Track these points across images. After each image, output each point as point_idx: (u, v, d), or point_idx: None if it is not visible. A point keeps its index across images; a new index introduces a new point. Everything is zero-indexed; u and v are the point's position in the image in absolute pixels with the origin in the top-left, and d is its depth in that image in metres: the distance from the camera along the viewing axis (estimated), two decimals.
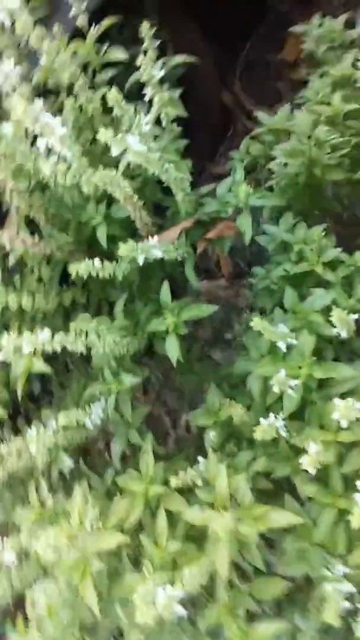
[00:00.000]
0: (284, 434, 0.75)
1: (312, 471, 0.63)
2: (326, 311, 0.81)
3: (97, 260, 0.70)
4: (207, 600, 0.73)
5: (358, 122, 0.99)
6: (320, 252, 0.88)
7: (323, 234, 0.90)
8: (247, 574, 0.73)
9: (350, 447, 0.69)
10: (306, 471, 0.76)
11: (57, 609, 0.73)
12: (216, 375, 0.98)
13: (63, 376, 1.18)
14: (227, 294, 1.66)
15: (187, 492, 0.77)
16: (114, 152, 0.60)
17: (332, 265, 0.89)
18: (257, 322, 0.68)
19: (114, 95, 0.65)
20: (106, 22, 0.80)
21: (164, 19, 1.05)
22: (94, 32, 0.79)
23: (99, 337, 0.73)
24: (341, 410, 0.62)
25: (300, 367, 0.72)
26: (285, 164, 0.97)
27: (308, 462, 0.61)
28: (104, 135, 0.59)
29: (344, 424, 0.64)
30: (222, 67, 1.74)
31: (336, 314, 0.70)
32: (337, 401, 0.63)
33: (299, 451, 0.76)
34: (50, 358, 1.24)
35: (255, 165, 1.17)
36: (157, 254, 0.72)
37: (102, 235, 0.77)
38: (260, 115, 1.07)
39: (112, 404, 0.78)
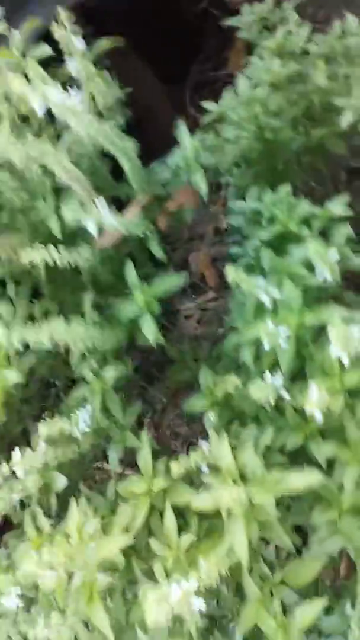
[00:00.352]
0: (286, 396, 0.68)
1: (320, 417, 0.56)
2: (308, 265, 0.77)
3: (52, 248, 0.66)
4: (237, 602, 0.63)
5: (303, 86, 0.97)
6: (291, 211, 0.84)
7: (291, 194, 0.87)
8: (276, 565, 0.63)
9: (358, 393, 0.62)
10: (321, 435, 0.69)
11: None
12: (210, 363, 0.91)
13: (55, 408, 1.12)
14: (216, 305, 1.62)
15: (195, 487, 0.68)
16: (33, 104, 0.57)
17: (307, 222, 0.84)
18: (231, 272, 0.62)
19: (32, 65, 0.63)
20: (27, 26, 0.79)
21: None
22: (17, 37, 0.78)
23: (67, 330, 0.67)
24: (338, 340, 0.55)
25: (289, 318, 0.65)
26: (238, 138, 0.95)
27: (312, 406, 0.54)
28: (18, 86, 0.56)
29: (345, 360, 0.57)
30: (172, 94, 1.80)
31: (314, 250, 0.64)
32: (330, 331, 0.56)
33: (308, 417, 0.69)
34: (43, 397, 1.18)
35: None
36: (111, 221, 0.68)
37: (55, 226, 0.73)
38: (206, 104, 1.06)
39: (98, 406, 0.71)
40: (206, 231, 1.80)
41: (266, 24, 1.09)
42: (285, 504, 0.78)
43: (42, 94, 0.56)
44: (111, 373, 0.72)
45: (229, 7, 1.78)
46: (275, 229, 0.83)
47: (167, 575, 0.58)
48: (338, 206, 0.84)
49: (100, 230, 0.73)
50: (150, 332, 0.71)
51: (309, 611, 0.54)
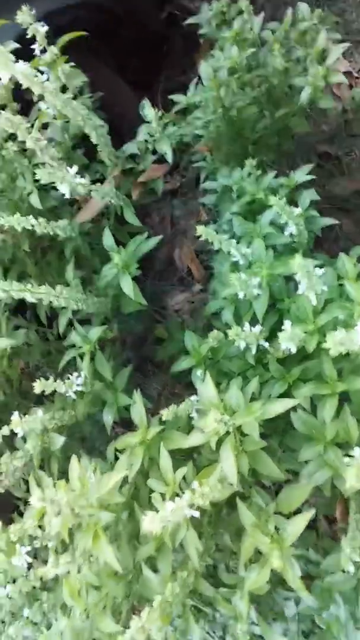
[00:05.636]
0: (265, 344, 0.73)
1: (293, 348, 0.60)
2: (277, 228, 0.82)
3: (31, 218, 0.71)
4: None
5: (263, 70, 1.04)
6: (259, 182, 0.90)
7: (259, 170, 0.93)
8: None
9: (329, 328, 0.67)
10: (302, 381, 0.74)
11: (81, 591, 0.67)
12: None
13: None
14: (202, 298, 1.68)
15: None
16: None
17: (274, 192, 0.90)
18: (201, 229, 0.67)
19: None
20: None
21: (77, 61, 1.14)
22: None
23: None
24: (304, 279, 0.61)
25: (260, 269, 0.71)
26: (208, 123, 1.01)
27: (284, 338, 0.59)
28: None
29: (313, 299, 0.63)
30: (143, 96, 1.88)
31: (276, 204, 0.70)
32: (297, 274, 0.61)
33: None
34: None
35: (184, 148, 1.22)
36: (80, 181, 0.72)
37: (36, 201, 0.78)
38: (175, 96, 1.12)
39: (87, 365, 0.76)
40: (188, 226, 1.87)
41: (224, 18, 1.16)
42: (277, 455, 0.83)
43: (7, 65, 0.61)
44: (96, 332, 0.76)
45: (190, 11, 1.87)
46: (244, 200, 0.88)
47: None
48: (302, 174, 0.90)
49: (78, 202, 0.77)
50: (128, 288, 0.76)
51: (297, 525, 0.59)
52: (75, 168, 0.72)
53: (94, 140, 0.79)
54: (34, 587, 0.73)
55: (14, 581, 0.73)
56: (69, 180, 0.70)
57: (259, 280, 0.69)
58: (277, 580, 0.67)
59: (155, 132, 0.87)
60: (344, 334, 0.48)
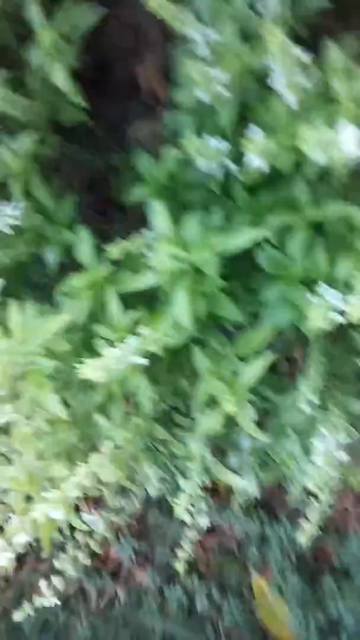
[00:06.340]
0: (231, 165, 0.60)
1: (264, 164, 0.49)
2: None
3: None
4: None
5: None
6: None
7: None
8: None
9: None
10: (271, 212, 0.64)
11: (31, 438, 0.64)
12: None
13: None
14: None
15: None
16: None
17: None
18: None
19: None
20: None
21: None
22: None
23: None
24: (283, 71, 0.47)
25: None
26: None
27: (253, 151, 0.47)
28: None
29: (292, 100, 0.49)
30: None
31: None
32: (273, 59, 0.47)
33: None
34: None
35: None
36: None
37: None
38: None
39: (19, 190, 0.64)
40: (155, 37, 1.56)
41: None
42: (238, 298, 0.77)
43: None
44: (26, 142, 0.62)
45: None
46: None
47: None
48: None
49: None
50: (61, 79, 0.60)
51: (253, 369, 0.55)
52: None
53: None
54: None
55: None
56: None
57: (227, 77, 0.54)
58: (233, 420, 0.66)
59: None
60: (324, 134, 0.36)
